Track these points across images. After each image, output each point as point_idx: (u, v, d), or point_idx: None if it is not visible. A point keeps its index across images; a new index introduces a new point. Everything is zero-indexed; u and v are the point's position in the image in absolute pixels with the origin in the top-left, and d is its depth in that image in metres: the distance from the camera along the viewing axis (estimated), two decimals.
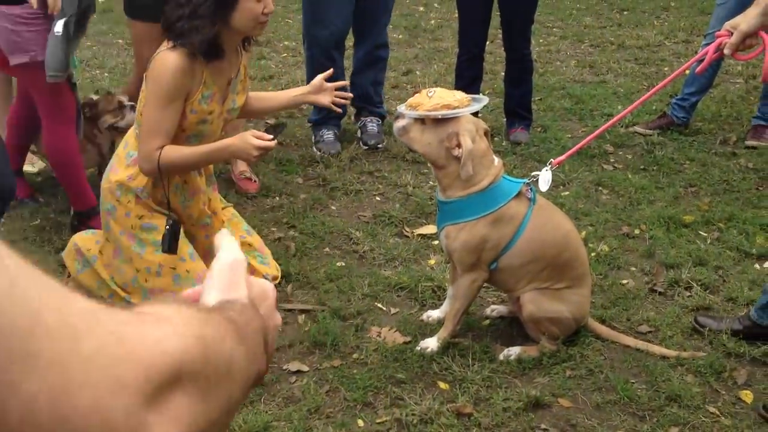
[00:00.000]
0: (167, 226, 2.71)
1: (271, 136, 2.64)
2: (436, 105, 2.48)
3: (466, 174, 2.49)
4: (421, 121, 2.52)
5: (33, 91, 3.26)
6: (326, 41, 4.33)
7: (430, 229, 3.50)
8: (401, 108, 2.57)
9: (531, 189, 2.62)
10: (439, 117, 2.48)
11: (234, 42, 2.71)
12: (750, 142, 4.51)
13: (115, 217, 2.77)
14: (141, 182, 2.74)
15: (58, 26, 2.95)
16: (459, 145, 2.48)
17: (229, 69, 2.75)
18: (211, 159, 2.68)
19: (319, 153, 4.38)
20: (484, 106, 2.69)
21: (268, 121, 2.64)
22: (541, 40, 7.03)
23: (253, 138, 2.60)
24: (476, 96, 2.62)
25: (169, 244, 2.70)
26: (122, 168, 2.76)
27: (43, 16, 3.07)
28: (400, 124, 2.58)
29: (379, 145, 4.48)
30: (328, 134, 4.47)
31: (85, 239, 2.90)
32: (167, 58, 2.57)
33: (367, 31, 4.50)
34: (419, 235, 3.50)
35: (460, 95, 2.54)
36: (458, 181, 2.53)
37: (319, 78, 3.03)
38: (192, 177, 2.81)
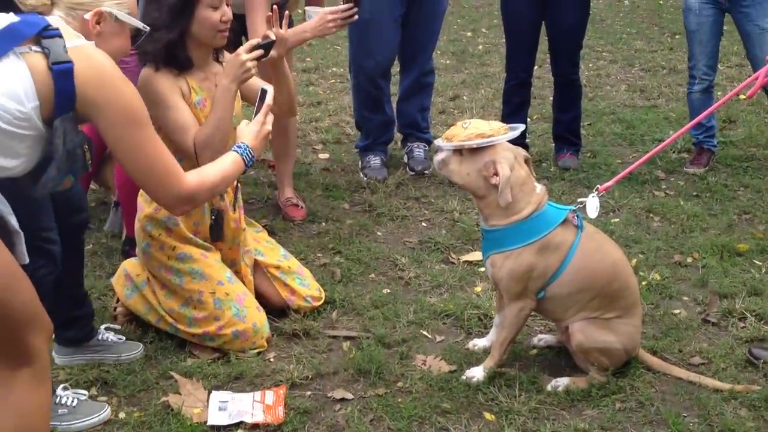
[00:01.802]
0: (213, 217, 2.85)
1: (259, 51, 2.76)
2: (470, 135, 2.49)
3: (504, 201, 2.47)
4: (459, 152, 2.52)
5: None
6: (372, 70, 4.36)
7: (476, 255, 3.47)
8: (438, 141, 2.59)
9: (578, 216, 2.58)
10: (474, 146, 2.48)
11: (203, 53, 2.83)
12: None
13: (151, 254, 2.84)
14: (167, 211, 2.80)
15: None
16: (497, 173, 2.47)
17: (213, 78, 2.86)
18: (225, 102, 2.72)
19: (365, 179, 4.40)
20: (530, 131, 2.68)
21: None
22: (590, 65, 6.97)
23: (239, 55, 2.71)
24: (512, 125, 2.62)
25: (217, 232, 2.87)
26: (146, 204, 2.84)
27: (133, 52, 3.15)
28: (438, 157, 2.59)
29: (426, 171, 4.48)
30: (375, 160, 4.49)
31: (134, 265, 2.95)
32: (142, 74, 2.76)
33: (413, 58, 4.52)
34: (465, 261, 3.48)
35: (496, 124, 2.55)
36: (499, 210, 2.52)
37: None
38: (217, 201, 2.86)
